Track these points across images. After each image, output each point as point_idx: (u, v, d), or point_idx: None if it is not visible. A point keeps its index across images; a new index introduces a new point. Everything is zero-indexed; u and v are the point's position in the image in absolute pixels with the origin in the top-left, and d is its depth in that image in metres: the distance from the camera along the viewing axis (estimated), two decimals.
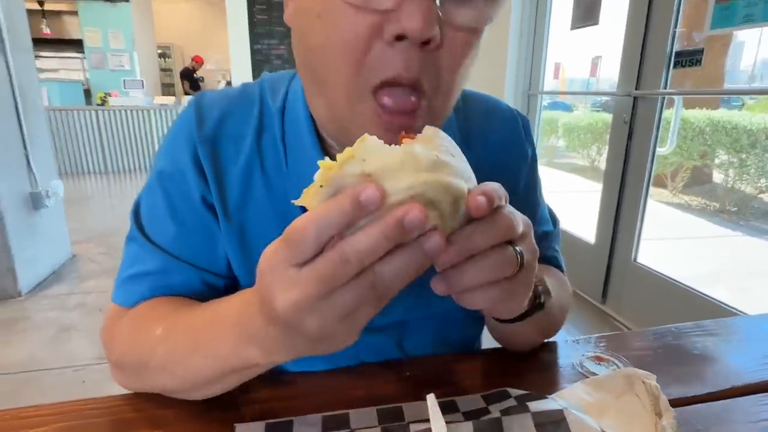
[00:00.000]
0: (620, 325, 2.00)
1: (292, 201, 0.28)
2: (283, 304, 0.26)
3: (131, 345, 0.43)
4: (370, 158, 0.25)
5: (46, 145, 2.54)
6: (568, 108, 6.71)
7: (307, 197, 0.26)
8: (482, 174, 0.33)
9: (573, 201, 4.45)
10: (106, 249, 2.94)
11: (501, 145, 0.54)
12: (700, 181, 4.54)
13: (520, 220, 0.31)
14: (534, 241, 0.33)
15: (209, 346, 0.35)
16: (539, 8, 2.62)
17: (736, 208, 4.04)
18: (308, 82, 0.40)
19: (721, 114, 3.75)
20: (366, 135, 0.25)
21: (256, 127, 0.46)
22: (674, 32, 1.74)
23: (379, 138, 0.26)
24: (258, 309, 0.29)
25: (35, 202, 2.35)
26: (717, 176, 4.36)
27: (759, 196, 3.92)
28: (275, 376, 0.48)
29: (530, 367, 0.52)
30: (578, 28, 2.26)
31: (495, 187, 0.29)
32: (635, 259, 1.99)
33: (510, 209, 0.30)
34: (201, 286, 0.47)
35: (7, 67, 2.20)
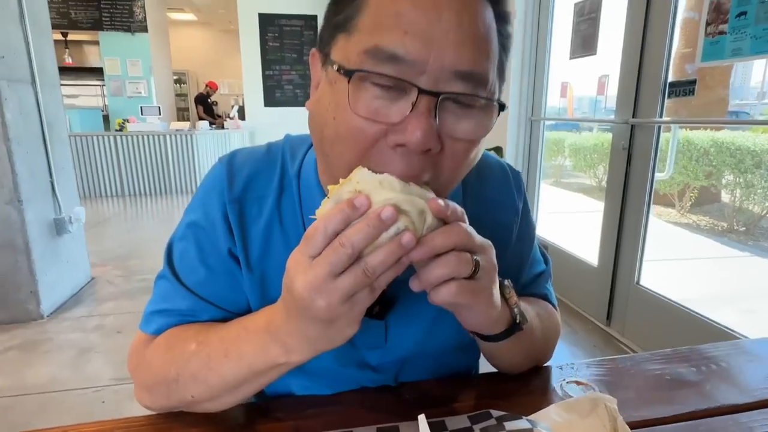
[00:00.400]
0: (625, 347, 2.03)
1: (310, 216, 0.38)
2: (300, 285, 0.35)
3: (163, 361, 0.49)
4: (362, 181, 0.36)
5: (69, 173, 2.68)
6: (576, 127, 6.77)
7: (319, 212, 0.37)
8: (480, 229, 0.41)
9: (579, 221, 4.48)
10: (123, 271, 3.04)
11: (495, 201, 0.59)
12: (707, 201, 4.55)
13: (478, 237, 0.40)
14: (494, 256, 0.42)
15: (237, 351, 0.43)
16: (540, 37, 2.73)
17: (744, 228, 4.04)
18: (320, 160, 0.48)
19: (725, 135, 3.79)
20: (359, 166, 0.37)
21: (276, 188, 0.53)
22: (667, 64, 1.82)
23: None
24: (282, 306, 0.39)
25: (59, 228, 2.47)
26: (724, 196, 4.38)
27: (767, 215, 3.92)
28: (286, 399, 0.55)
29: (518, 390, 0.58)
30: (577, 57, 2.35)
31: (453, 204, 0.38)
32: (638, 282, 2.03)
33: (468, 227, 0.39)
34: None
35: (37, 101, 2.35)
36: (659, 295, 1.92)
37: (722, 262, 3.59)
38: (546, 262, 0.67)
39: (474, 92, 0.39)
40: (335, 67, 0.39)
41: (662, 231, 4.34)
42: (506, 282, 0.49)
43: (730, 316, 2.47)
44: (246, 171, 0.53)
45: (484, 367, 0.64)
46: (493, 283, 0.43)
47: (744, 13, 1.47)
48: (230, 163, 0.54)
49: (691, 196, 4.46)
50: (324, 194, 0.51)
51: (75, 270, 2.70)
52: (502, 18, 0.42)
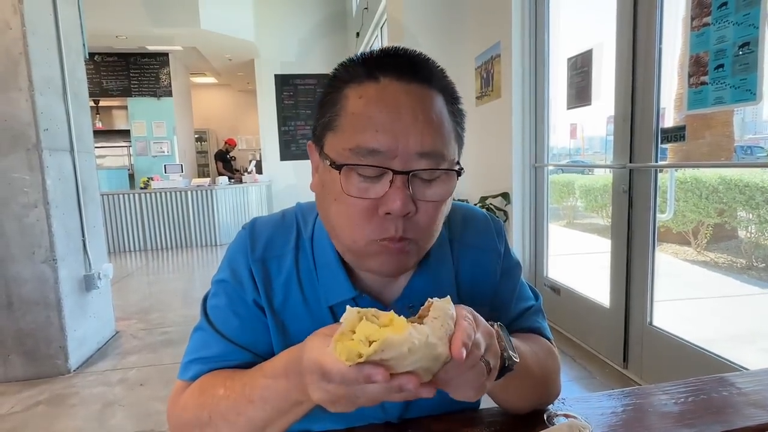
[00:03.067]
0: (647, 385, 2.00)
1: (336, 354, 0.40)
2: (314, 396, 0.43)
3: (196, 404, 0.56)
4: (387, 350, 0.37)
5: (99, 231, 2.85)
6: (587, 164, 6.86)
7: (338, 346, 0.38)
8: (466, 269, 0.57)
9: (592, 262, 4.47)
10: (146, 325, 3.14)
11: (479, 247, 0.68)
12: (723, 237, 4.51)
13: (483, 338, 0.44)
14: (497, 345, 0.48)
15: (261, 396, 0.50)
16: (538, 88, 2.89)
17: (764, 265, 3.97)
18: (329, 232, 0.58)
19: (732, 173, 3.83)
20: (387, 334, 0.37)
21: (293, 248, 0.62)
22: (658, 111, 1.93)
23: (384, 258, 0.51)
24: (298, 373, 0.45)
25: (88, 284, 2.60)
26: (741, 233, 4.34)
27: None
28: None
29: (512, 422, 0.63)
30: (573, 108, 2.48)
31: (468, 333, 0.42)
32: (651, 323, 2.03)
33: (478, 337, 0.43)
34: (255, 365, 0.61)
35: (74, 167, 2.55)
36: (674, 335, 1.92)
37: (743, 300, 3.52)
38: (536, 297, 0.73)
39: (435, 166, 0.51)
40: (328, 162, 0.52)
41: (680, 270, 4.29)
42: (496, 326, 0.52)
43: (750, 355, 2.42)
44: (265, 235, 0.63)
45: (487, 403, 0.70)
46: (497, 367, 0.48)
47: (721, 65, 1.59)
48: (252, 229, 0.64)
49: (706, 234, 4.44)
50: (335, 252, 0.60)
51: (101, 324, 2.80)
52: (452, 101, 0.56)
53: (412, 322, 0.41)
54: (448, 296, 0.45)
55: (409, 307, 0.59)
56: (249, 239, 0.62)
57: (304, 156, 7.99)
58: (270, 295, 0.61)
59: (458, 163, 0.55)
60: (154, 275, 4.81)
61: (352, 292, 0.59)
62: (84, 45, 2.79)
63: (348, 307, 0.40)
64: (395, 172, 0.49)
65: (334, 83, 0.54)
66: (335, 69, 0.56)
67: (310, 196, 0.63)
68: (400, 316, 0.41)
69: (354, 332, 0.38)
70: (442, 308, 0.43)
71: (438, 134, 0.51)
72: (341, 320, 0.40)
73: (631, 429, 0.60)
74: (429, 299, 0.45)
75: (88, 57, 2.85)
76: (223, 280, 0.63)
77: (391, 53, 0.54)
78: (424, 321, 0.41)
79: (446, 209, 0.56)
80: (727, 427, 0.59)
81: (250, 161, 8.32)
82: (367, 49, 0.57)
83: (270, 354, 0.62)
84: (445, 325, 0.41)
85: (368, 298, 0.60)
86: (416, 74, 0.52)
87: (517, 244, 3.06)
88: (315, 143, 0.57)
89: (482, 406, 0.74)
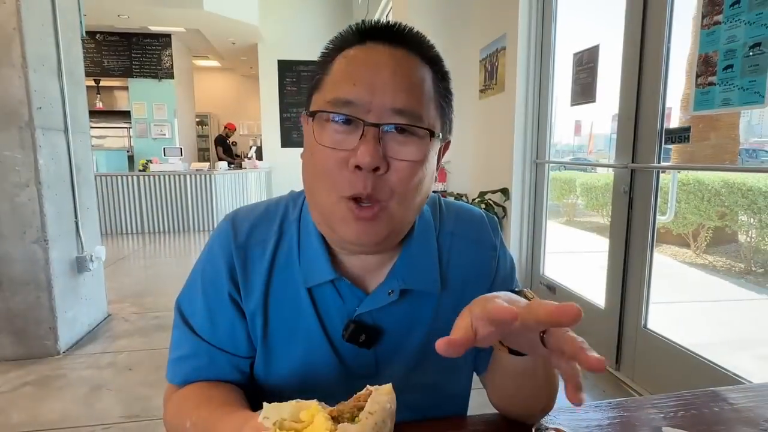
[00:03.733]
0: (634, 393, 1.99)
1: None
2: None
3: (174, 426, 0.58)
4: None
5: (93, 213, 2.82)
6: (587, 162, 6.82)
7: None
8: (456, 261, 0.60)
9: (590, 261, 4.45)
10: (139, 309, 3.13)
11: (474, 240, 0.66)
12: (723, 241, 4.48)
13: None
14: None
15: None
16: (542, 83, 2.84)
17: (762, 270, 3.95)
18: (308, 197, 0.57)
19: (735, 176, 3.78)
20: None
21: (276, 233, 0.61)
22: (663, 112, 1.89)
23: (353, 224, 0.51)
24: None
25: (80, 266, 2.58)
26: (741, 236, 4.31)
27: None
28: None
29: (498, 430, 0.61)
30: (577, 105, 2.43)
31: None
32: (645, 325, 2.01)
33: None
34: (229, 367, 0.61)
35: (68, 146, 2.52)
36: (667, 339, 1.90)
37: (739, 305, 3.50)
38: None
39: (409, 123, 0.50)
40: (308, 115, 0.53)
41: (678, 272, 4.27)
42: (526, 290, 0.49)
43: (745, 362, 2.40)
44: (249, 222, 0.62)
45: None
46: None
47: (730, 66, 1.54)
48: (234, 217, 0.63)
49: (706, 237, 4.41)
50: (318, 233, 0.59)
51: (92, 307, 2.78)
52: (440, 77, 0.56)
53: (343, 412, 0.38)
54: (390, 385, 0.41)
55: (389, 292, 0.59)
56: (231, 228, 0.61)
57: None
58: (249, 282, 0.60)
59: (440, 136, 0.55)
60: (150, 259, 4.79)
61: (332, 274, 0.58)
62: (81, 22, 2.73)
63: (265, 404, 0.38)
64: (366, 124, 0.49)
65: (326, 51, 0.56)
66: (331, 38, 0.56)
67: None
68: (325, 407, 0.38)
69: None
70: (380, 402, 0.39)
71: (415, 95, 0.51)
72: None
73: None
74: (368, 387, 0.41)
75: (85, 35, 2.79)
76: (199, 273, 0.62)
77: (384, 24, 0.54)
78: (359, 415, 0.38)
79: (424, 180, 0.54)
80: None
81: (251, 147, 8.26)
82: None
83: (245, 353, 0.61)
84: (379, 424, 0.37)
85: (347, 282, 0.59)
86: (403, 42, 0.53)
87: (515, 241, 3.03)
88: (305, 109, 0.57)
89: (469, 413, 0.72)
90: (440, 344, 0.37)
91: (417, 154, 0.51)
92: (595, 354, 0.35)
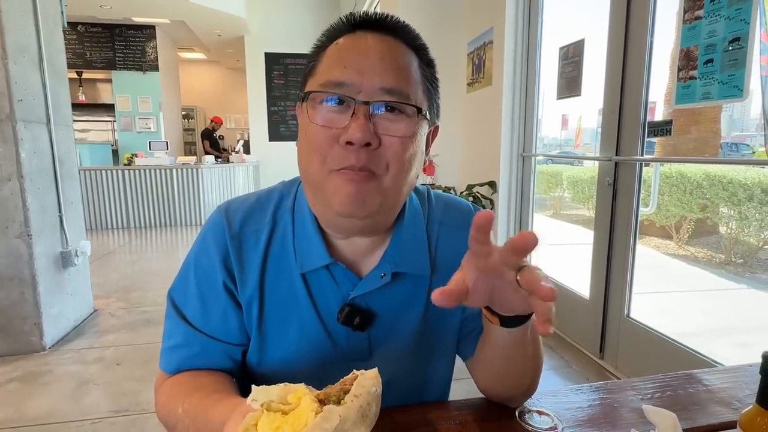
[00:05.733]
0: (616, 380, 2.03)
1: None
2: None
3: (165, 412, 0.59)
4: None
5: (78, 207, 2.78)
6: (573, 156, 6.89)
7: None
8: (445, 249, 0.62)
9: (576, 253, 4.52)
10: (125, 304, 3.10)
11: (460, 227, 0.68)
12: (705, 232, 4.59)
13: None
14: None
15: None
16: (529, 76, 2.86)
17: (741, 260, 4.05)
18: (302, 176, 0.59)
19: (717, 169, 3.87)
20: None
21: (270, 221, 0.63)
22: (646, 105, 1.92)
23: (344, 187, 0.52)
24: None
25: (65, 261, 2.55)
26: (722, 228, 4.41)
27: (765, 247, 3.94)
28: None
29: (479, 415, 0.63)
30: (563, 98, 2.46)
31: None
32: (628, 315, 2.06)
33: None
34: (221, 355, 0.62)
35: (51, 140, 2.47)
36: (649, 328, 1.95)
37: (720, 294, 3.60)
38: None
39: (398, 101, 0.53)
40: (302, 98, 0.56)
41: (660, 263, 4.36)
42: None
43: (723, 348, 2.47)
44: (242, 212, 0.63)
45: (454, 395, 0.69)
46: None
47: (711, 60, 1.57)
48: (227, 209, 0.64)
49: (688, 228, 4.50)
50: (313, 219, 0.61)
51: (78, 302, 2.75)
52: (426, 64, 0.58)
53: (329, 395, 0.39)
54: (375, 370, 0.42)
55: (382, 276, 0.61)
56: (225, 219, 0.62)
57: (293, 137, 7.88)
58: (245, 271, 0.61)
59: (427, 116, 0.57)
60: (136, 253, 4.74)
61: (327, 259, 0.60)
62: (62, 13, 2.67)
63: (254, 386, 0.40)
64: (357, 102, 0.52)
65: (319, 41, 0.59)
66: (324, 31, 0.60)
67: None
68: (312, 391, 0.39)
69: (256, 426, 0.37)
70: (365, 386, 0.40)
71: (402, 76, 0.54)
72: (245, 417, 0.38)
73: (596, 423, 0.60)
74: (354, 371, 0.42)
75: (67, 26, 2.74)
76: (192, 261, 0.63)
77: (373, 15, 0.57)
78: (345, 398, 0.38)
79: (416, 156, 0.56)
80: (691, 424, 0.59)
81: (238, 141, 8.18)
82: None
83: (236, 340, 0.62)
84: (364, 407, 0.38)
85: (342, 266, 0.61)
86: (391, 30, 0.56)
87: (502, 234, 3.07)
88: (300, 96, 0.58)
89: (451, 398, 0.73)
90: (436, 294, 0.39)
91: (406, 130, 0.54)
92: (548, 285, 0.37)
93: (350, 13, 0.58)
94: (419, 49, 0.58)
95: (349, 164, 0.52)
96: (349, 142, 0.51)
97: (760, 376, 0.45)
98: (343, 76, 0.52)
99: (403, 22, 0.58)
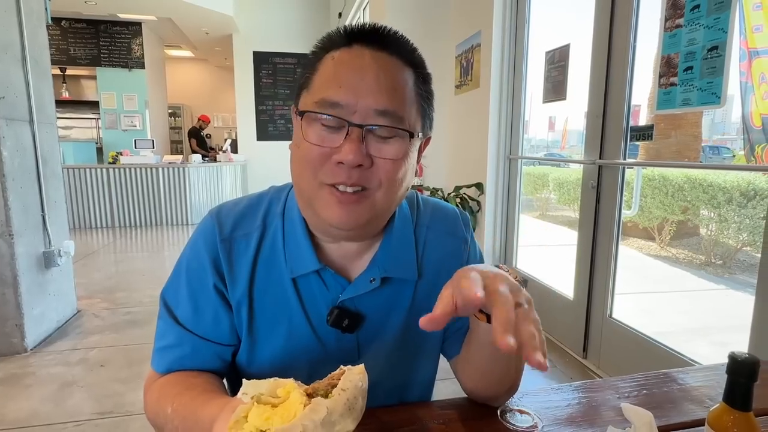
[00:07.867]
0: (600, 379, 2.07)
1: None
2: None
3: (155, 412, 0.60)
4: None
5: (61, 206, 2.73)
6: (558, 158, 6.99)
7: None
8: (432, 253, 0.63)
9: (561, 254, 4.58)
10: (110, 304, 3.06)
11: (447, 232, 0.70)
12: (686, 234, 4.69)
13: (505, 289, 0.45)
14: (515, 282, 0.50)
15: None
16: (516, 80, 2.90)
17: (721, 261, 4.16)
18: (294, 183, 0.60)
19: (698, 172, 3.96)
20: (275, 427, 0.36)
21: (260, 225, 0.64)
22: (628, 110, 1.96)
23: (336, 207, 0.54)
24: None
25: (47, 261, 2.51)
26: (702, 230, 4.52)
27: (744, 248, 4.05)
28: None
29: (462, 414, 0.64)
30: (549, 102, 2.50)
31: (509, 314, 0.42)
32: (611, 315, 2.10)
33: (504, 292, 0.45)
34: (211, 355, 0.63)
35: (33, 138, 2.43)
36: (631, 328, 1.99)
37: (700, 294, 3.69)
38: None
39: (391, 125, 0.54)
40: (297, 113, 0.57)
41: (643, 264, 4.45)
42: (502, 265, 0.54)
43: (702, 348, 2.54)
44: (233, 216, 0.64)
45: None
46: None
47: (690, 68, 1.62)
48: (218, 213, 0.65)
49: (670, 230, 4.60)
50: (303, 224, 0.62)
51: (61, 303, 2.71)
52: (422, 79, 0.59)
53: (317, 389, 0.40)
54: (362, 365, 0.44)
55: (371, 280, 0.63)
56: (216, 222, 0.63)
57: (281, 137, 7.84)
58: (235, 273, 0.62)
59: (420, 135, 0.58)
60: (121, 253, 4.68)
61: (317, 264, 0.61)
62: (46, 9, 2.63)
63: (244, 380, 0.41)
64: (351, 125, 0.53)
65: (316, 50, 0.59)
66: (320, 38, 0.60)
67: (286, 179, 0.65)
68: (301, 386, 0.40)
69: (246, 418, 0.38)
70: (352, 381, 0.41)
71: (397, 97, 0.54)
72: (236, 409, 0.39)
73: (575, 421, 0.62)
74: (341, 367, 0.44)
75: (51, 22, 2.69)
76: (184, 265, 0.64)
77: (370, 28, 0.57)
78: (332, 392, 0.40)
79: (407, 174, 0.58)
80: (665, 422, 0.62)
81: (226, 140, 8.10)
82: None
83: (227, 341, 0.63)
84: (351, 400, 0.40)
85: (331, 271, 0.62)
86: (387, 46, 0.56)
87: (488, 235, 3.10)
88: (294, 104, 0.60)
89: (435, 398, 0.75)
90: (423, 320, 0.41)
91: (398, 152, 0.55)
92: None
93: (346, 25, 0.58)
94: (415, 64, 0.58)
95: (340, 180, 0.53)
96: (341, 162, 0.52)
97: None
98: (338, 96, 0.53)
99: (401, 35, 0.58)
